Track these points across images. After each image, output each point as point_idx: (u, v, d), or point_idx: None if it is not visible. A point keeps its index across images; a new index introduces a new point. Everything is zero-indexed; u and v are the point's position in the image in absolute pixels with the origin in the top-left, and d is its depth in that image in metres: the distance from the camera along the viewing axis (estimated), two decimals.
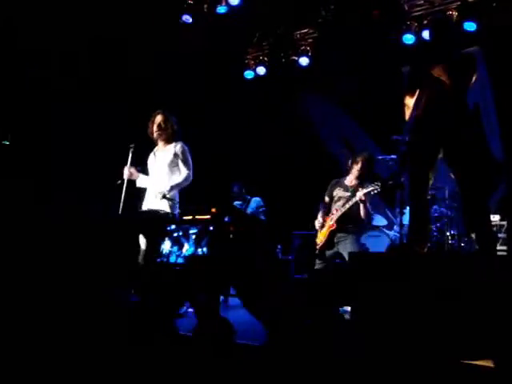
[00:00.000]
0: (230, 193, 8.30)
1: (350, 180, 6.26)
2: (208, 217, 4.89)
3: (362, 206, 6.04)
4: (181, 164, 5.48)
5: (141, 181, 5.64)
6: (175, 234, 4.78)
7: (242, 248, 4.07)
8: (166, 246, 4.79)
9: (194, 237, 4.68)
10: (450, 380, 2.54)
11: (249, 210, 8.29)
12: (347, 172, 6.32)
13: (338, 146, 8.93)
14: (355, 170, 6.22)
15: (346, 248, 6.01)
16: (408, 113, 4.64)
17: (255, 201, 8.33)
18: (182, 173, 5.46)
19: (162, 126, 5.55)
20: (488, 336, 3.27)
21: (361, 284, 3.96)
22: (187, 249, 4.68)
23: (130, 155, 5.59)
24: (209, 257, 4.46)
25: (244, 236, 4.20)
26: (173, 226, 4.82)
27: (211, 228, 4.58)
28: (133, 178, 5.59)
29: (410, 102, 4.64)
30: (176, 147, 5.50)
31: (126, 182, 5.51)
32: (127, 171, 5.54)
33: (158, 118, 5.58)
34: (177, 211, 5.37)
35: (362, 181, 6.19)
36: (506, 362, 2.89)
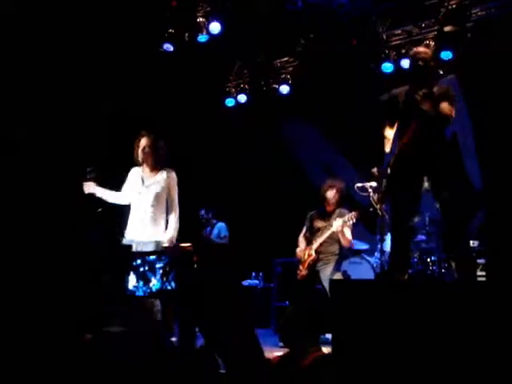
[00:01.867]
0: (198, 217, 8.26)
1: (327, 208, 6.31)
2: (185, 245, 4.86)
3: (340, 235, 6.08)
4: (172, 196, 5.31)
5: (109, 195, 5.44)
6: (141, 269, 4.57)
7: (205, 278, 4.03)
8: (132, 280, 4.58)
9: (160, 271, 4.52)
10: None
11: (212, 237, 8.31)
12: (321, 201, 6.35)
13: (320, 172, 8.98)
14: (328, 199, 6.26)
15: (325, 276, 6.04)
16: (388, 145, 4.68)
17: (218, 227, 8.32)
18: (174, 207, 5.31)
19: (148, 150, 5.28)
20: (471, 364, 3.27)
21: (341, 312, 3.95)
22: (154, 284, 4.52)
23: (91, 176, 5.35)
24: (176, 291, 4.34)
25: (208, 265, 4.16)
26: (138, 261, 4.60)
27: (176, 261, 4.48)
28: (95, 192, 5.36)
29: (389, 133, 4.68)
30: (169, 177, 5.31)
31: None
32: (87, 187, 5.33)
33: (143, 142, 5.30)
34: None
35: (339, 208, 6.25)
36: None
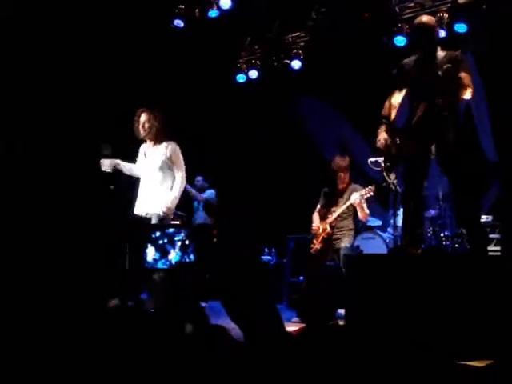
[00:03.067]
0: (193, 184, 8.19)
1: (339, 184, 6.31)
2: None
3: (358, 208, 6.09)
4: (174, 167, 5.32)
5: (128, 169, 5.51)
6: (160, 241, 4.63)
7: (225, 251, 4.05)
8: (150, 252, 4.62)
9: (179, 243, 4.58)
10: (446, 381, 2.55)
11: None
12: (332, 179, 6.35)
13: (333, 148, 8.94)
14: (340, 172, 6.26)
15: (340, 250, 6.05)
16: (394, 113, 4.64)
17: (207, 193, 8.21)
18: (177, 178, 5.32)
19: (147, 124, 5.33)
20: (482, 336, 3.28)
21: (355, 287, 3.97)
22: (173, 256, 4.58)
23: (106, 153, 5.36)
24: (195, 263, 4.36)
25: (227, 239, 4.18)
26: (157, 233, 4.67)
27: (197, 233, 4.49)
28: (111, 167, 5.39)
29: (396, 100, 4.64)
30: (167, 148, 5.32)
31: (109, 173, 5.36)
32: (106, 164, 5.35)
33: (143, 118, 5.35)
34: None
35: (351, 184, 6.26)
36: (500, 362, 2.90)
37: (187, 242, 4.51)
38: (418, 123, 4.40)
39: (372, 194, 6.03)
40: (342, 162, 6.31)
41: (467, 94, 4.25)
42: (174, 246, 4.56)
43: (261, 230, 8.73)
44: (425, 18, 4.62)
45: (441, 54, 4.44)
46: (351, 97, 8.45)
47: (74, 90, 7.15)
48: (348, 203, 6.12)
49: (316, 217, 6.44)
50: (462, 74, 4.26)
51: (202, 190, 8.23)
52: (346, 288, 4.12)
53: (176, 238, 4.59)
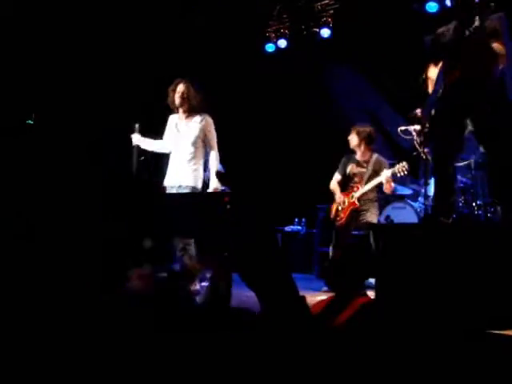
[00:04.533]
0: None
1: (359, 155, 6.26)
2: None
3: (387, 184, 6.04)
4: (209, 141, 5.31)
5: (147, 144, 5.53)
6: (173, 210, 4.54)
7: (238, 218, 4.03)
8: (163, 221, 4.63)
9: (192, 213, 4.47)
10: (477, 350, 2.55)
11: None
12: (355, 146, 6.32)
13: (363, 118, 8.85)
14: (354, 145, 6.23)
15: (366, 222, 6.03)
16: (431, 85, 4.56)
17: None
18: (213, 154, 5.32)
19: (186, 96, 5.30)
20: None
21: (386, 256, 3.96)
22: (186, 225, 4.54)
23: (137, 127, 5.45)
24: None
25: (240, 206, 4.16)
26: (170, 202, 4.69)
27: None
28: (142, 144, 5.45)
29: (433, 73, 4.56)
30: (202, 122, 5.30)
31: (135, 148, 5.42)
32: (136, 138, 5.41)
33: (181, 88, 5.32)
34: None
35: (372, 153, 6.22)
36: None
37: (199, 211, 4.49)
38: (450, 92, 4.33)
39: (406, 173, 5.97)
40: (355, 128, 6.27)
41: (498, 63, 4.18)
42: (187, 215, 4.53)
43: (290, 200, 8.75)
44: None
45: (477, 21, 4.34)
46: (381, 65, 8.33)
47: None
48: (379, 180, 6.07)
49: (335, 187, 6.40)
50: (495, 44, 4.18)
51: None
52: (375, 258, 4.11)
53: (188, 207, 4.56)
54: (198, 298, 4.16)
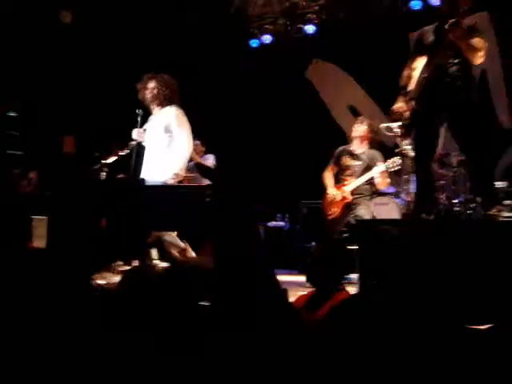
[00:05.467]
0: None
1: (355, 147, 6.25)
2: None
3: (381, 179, 6.02)
4: (177, 131, 5.26)
5: None
6: (154, 203, 4.61)
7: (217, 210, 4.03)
8: (147, 215, 4.65)
9: (174, 205, 4.53)
10: (455, 344, 2.58)
11: None
12: (351, 138, 6.31)
13: (345, 113, 8.88)
14: (356, 135, 6.20)
15: (357, 216, 6.02)
16: (413, 81, 4.59)
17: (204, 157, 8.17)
18: (181, 142, 5.25)
19: (155, 92, 5.32)
20: (494, 300, 3.30)
21: (368, 252, 3.99)
22: (169, 217, 4.57)
23: (139, 120, 5.44)
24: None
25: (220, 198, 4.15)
26: (151, 195, 4.70)
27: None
28: (141, 139, 5.44)
29: (415, 70, 4.59)
30: (169, 111, 5.30)
31: (135, 143, 5.42)
32: (136, 132, 5.40)
33: (152, 84, 5.34)
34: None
35: (369, 147, 6.20)
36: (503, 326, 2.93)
37: (180, 204, 4.48)
38: (429, 88, 4.38)
39: (399, 167, 5.96)
40: (364, 119, 6.26)
41: (478, 59, 4.22)
42: (168, 208, 4.52)
43: (274, 195, 8.76)
44: None
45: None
46: (364, 62, 8.36)
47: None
48: (370, 174, 6.05)
49: (328, 179, 6.34)
50: (475, 40, 4.22)
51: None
52: (358, 253, 4.14)
53: (169, 200, 4.55)
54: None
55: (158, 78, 5.37)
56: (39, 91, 7.36)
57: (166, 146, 5.28)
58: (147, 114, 5.55)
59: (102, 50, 7.56)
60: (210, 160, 8.12)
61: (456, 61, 4.28)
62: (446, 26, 4.23)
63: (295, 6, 8.70)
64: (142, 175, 5.35)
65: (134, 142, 5.45)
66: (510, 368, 1.91)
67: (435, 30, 4.46)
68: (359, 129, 6.19)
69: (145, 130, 5.45)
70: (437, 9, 4.63)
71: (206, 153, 8.06)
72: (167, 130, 5.27)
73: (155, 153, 5.31)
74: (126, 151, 5.51)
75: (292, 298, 3.20)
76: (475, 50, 4.22)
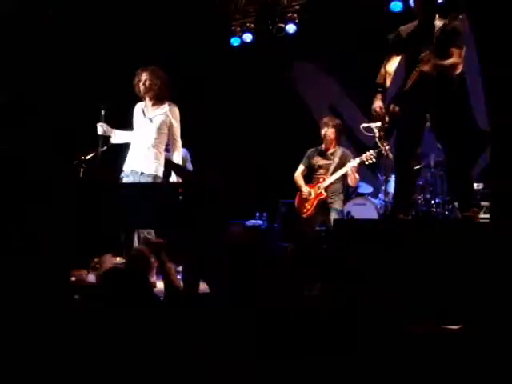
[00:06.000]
0: None
1: (327, 147, 6.31)
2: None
3: (351, 175, 6.10)
4: (174, 130, 5.34)
5: (117, 136, 5.50)
6: (131, 200, 4.55)
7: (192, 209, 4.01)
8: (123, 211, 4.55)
9: (149, 203, 4.47)
10: (432, 342, 2.61)
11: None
12: (321, 139, 6.36)
13: (325, 112, 8.91)
14: (325, 136, 6.26)
15: (331, 215, 6.09)
16: (389, 79, 4.63)
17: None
18: (178, 142, 5.36)
19: (149, 83, 5.31)
20: (469, 300, 3.33)
21: (346, 251, 4.00)
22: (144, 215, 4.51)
23: (103, 113, 5.41)
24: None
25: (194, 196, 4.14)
26: (128, 192, 4.66)
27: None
28: (107, 134, 5.42)
29: (391, 67, 4.63)
30: (169, 109, 5.33)
31: (100, 138, 5.39)
32: (100, 127, 5.37)
33: (144, 76, 5.33)
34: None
35: (338, 146, 6.27)
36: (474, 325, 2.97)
37: (156, 202, 4.46)
38: (411, 90, 4.41)
39: (374, 160, 6.04)
40: (330, 121, 6.31)
41: (456, 71, 4.29)
42: (144, 205, 4.51)
43: (252, 193, 8.76)
44: None
45: (438, 22, 4.42)
46: (345, 62, 8.40)
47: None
48: (344, 169, 6.12)
49: (300, 179, 6.43)
50: (453, 49, 4.27)
51: None
52: (334, 252, 4.15)
53: (146, 198, 4.53)
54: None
55: (148, 69, 5.35)
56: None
57: (159, 140, 5.31)
58: (113, 107, 5.50)
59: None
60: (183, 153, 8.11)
61: (435, 65, 4.32)
62: (430, 31, 4.29)
63: (277, 5, 8.69)
64: (130, 165, 5.31)
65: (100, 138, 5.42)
66: (482, 366, 1.94)
67: (415, 31, 4.49)
68: (327, 132, 6.25)
69: (108, 124, 5.43)
70: (416, 8, 4.62)
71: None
72: (164, 127, 5.31)
73: (147, 145, 5.29)
74: (103, 148, 5.47)
75: None
76: (454, 61, 4.28)
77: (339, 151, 6.29)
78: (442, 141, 4.51)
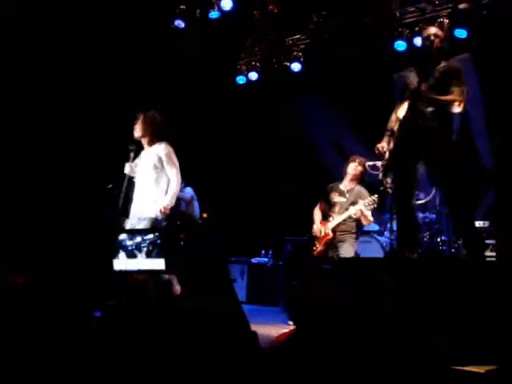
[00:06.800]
0: None
1: (345, 184, 6.27)
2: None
3: (362, 217, 6.03)
4: (166, 167, 5.32)
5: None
6: (128, 246, 4.68)
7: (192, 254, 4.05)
8: (121, 257, 4.72)
9: (145, 249, 4.59)
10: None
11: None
12: (342, 176, 6.34)
13: (330, 151, 8.95)
14: (349, 172, 6.23)
15: (341, 254, 6.00)
16: (397, 125, 4.66)
17: (183, 190, 8.06)
18: (171, 179, 5.32)
19: (142, 127, 5.41)
20: (480, 341, 3.28)
21: (350, 289, 3.96)
22: (140, 260, 4.63)
23: (132, 155, 5.49)
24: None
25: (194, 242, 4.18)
26: (125, 238, 4.73)
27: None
28: (132, 174, 5.48)
29: (401, 113, 4.65)
30: (159, 148, 5.35)
31: (126, 177, 5.42)
32: (128, 167, 5.44)
33: (137, 124, 5.45)
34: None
35: (358, 185, 6.22)
36: (502, 368, 2.91)
37: (152, 247, 4.51)
38: (404, 128, 4.45)
39: (375, 205, 5.98)
40: (358, 158, 6.27)
41: (456, 108, 4.31)
42: (140, 251, 4.58)
43: (257, 231, 8.74)
44: (433, 30, 4.61)
45: (441, 64, 4.46)
46: (350, 100, 8.46)
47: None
48: (348, 213, 6.05)
49: (317, 215, 6.34)
50: (454, 88, 4.30)
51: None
52: (340, 290, 4.11)
53: (143, 243, 4.60)
54: None
55: (143, 115, 5.45)
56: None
57: (155, 182, 5.31)
58: (140, 149, 5.58)
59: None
60: (189, 194, 8.14)
61: (432, 106, 4.37)
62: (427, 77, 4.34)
63: (282, 44, 8.80)
64: (132, 210, 5.36)
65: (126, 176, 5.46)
66: None
67: (419, 75, 4.52)
68: (355, 169, 6.21)
69: (136, 165, 5.48)
70: (420, 53, 4.69)
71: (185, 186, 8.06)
72: (156, 167, 5.32)
73: (145, 188, 5.34)
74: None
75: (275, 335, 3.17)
76: (455, 99, 4.31)
77: (356, 190, 6.22)
78: (436, 185, 4.53)
